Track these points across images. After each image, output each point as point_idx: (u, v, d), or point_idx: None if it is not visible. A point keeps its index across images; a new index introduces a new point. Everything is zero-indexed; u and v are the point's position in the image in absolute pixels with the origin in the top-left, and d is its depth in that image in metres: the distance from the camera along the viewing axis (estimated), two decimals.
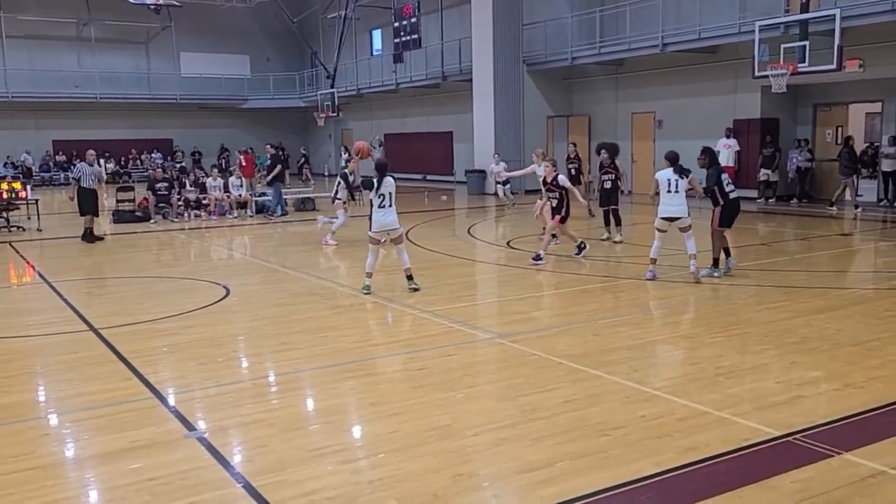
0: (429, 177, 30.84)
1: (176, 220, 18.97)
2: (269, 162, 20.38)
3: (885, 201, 17.63)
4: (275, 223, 18.51)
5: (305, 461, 4.58)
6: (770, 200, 19.29)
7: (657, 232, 9.80)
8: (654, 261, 9.89)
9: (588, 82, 24.32)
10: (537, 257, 11.13)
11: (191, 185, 20.22)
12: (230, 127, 38.50)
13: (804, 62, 15.30)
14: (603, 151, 13.52)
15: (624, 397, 5.58)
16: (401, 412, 5.38)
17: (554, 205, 11.42)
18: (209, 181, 20.21)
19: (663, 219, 9.71)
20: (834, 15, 14.73)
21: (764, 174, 19.37)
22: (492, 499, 4.14)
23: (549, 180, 11.39)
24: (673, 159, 9.75)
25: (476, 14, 24.16)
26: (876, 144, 18.06)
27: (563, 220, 11.41)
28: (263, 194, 20.85)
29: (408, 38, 26.37)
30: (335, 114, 30.85)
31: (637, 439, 4.80)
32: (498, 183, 20.22)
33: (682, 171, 9.64)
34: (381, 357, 6.91)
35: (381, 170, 9.38)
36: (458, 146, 29.09)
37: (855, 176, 17.21)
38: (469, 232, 15.75)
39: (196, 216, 19.46)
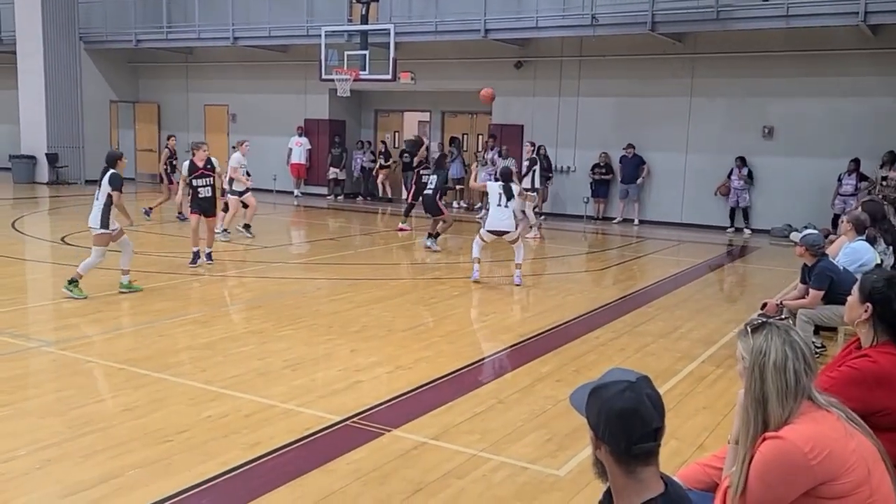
0: None
1: None
2: None
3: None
4: None
5: None
6: (339, 197, 20.52)
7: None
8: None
9: (156, 68, 23.05)
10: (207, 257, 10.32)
11: None
12: None
13: (365, 70, 16.54)
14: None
15: (189, 399, 5.37)
16: None
17: (209, 194, 10.19)
18: None
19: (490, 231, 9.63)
20: (388, 30, 16.20)
21: (333, 172, 20.52)
22: None
23: (200, 164, 10.18)
24: (505, 175, 9.88)
25: None
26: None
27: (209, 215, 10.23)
28: None
29: None
30: None
31: (202, 441, 4.64)
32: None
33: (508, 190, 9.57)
34: None
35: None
36: (1, 127, 25.25)
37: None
38: (14, 226, 13.79)
39: None
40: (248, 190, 12.79)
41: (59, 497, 3.90)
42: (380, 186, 20.28)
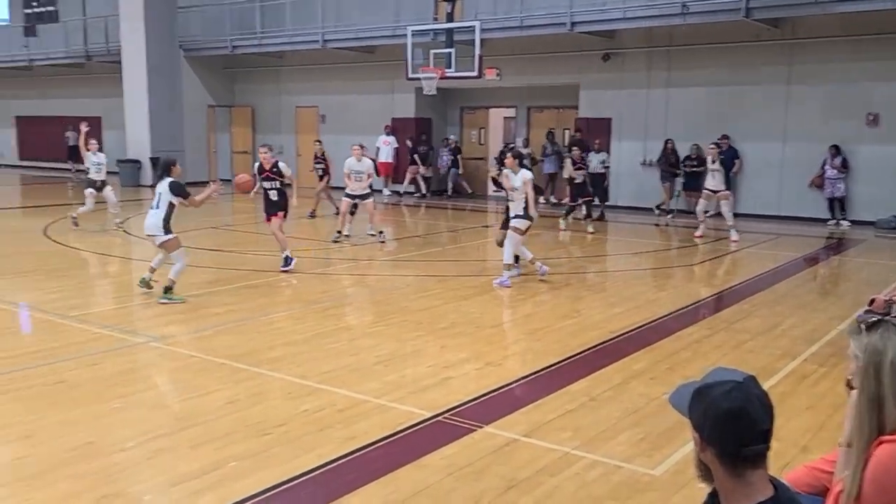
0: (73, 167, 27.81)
1: None
2: None
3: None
4: None
5: None
6: (425, 195, 20.70)
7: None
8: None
9: (251, 73, 23.84)
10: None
11: None
12: None
13: (451, 68, 16.62)
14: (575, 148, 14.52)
15: (286, 393, 5.55)
16: (33, 434, 4.74)
17: (274, 198, 10.15)
18: None
19: None
20: (474, 27, 16.21)
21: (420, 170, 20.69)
22: None
23: (267, 167, 10.09)
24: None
25: None
26: (511, 144, 20.28)
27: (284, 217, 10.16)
28: None
29: (41, 9, 23.40)
30: None
31: (299, 434, 4.79)
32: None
33: None
34: (9, 372, 6.01)
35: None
36: (109, 133, 26.62)
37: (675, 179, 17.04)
38: (122, 227, 14.52)
39: None
40: (368, 194, 12.71)
41: (169, 486, 4.10)
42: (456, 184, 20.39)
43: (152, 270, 8.65)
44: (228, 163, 24.01)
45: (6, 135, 30.31)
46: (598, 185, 15.87)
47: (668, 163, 16.40)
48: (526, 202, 9.23)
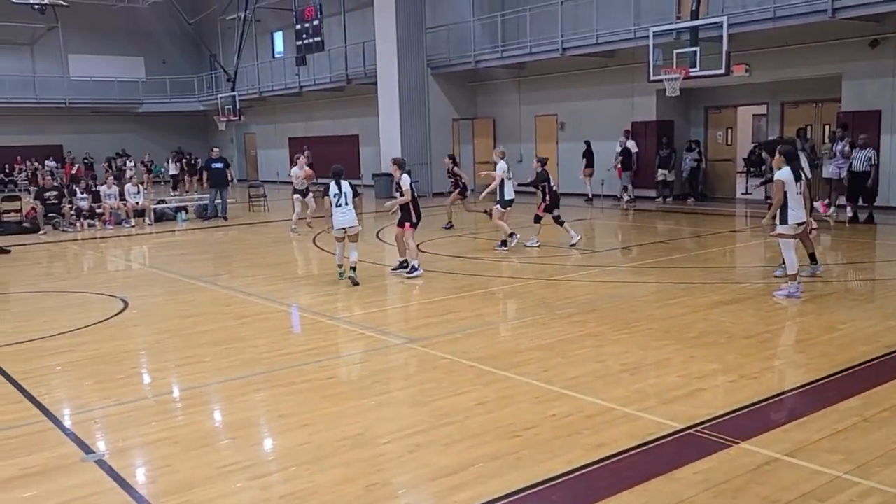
0: None
1: (69, 230, 18.09)
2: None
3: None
4: (174, 231, 17.94)
5: (212, 479, 4.43)
6: (667, 200, 20.03)
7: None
8: None
9: (492, 85, 24.64)
10: (405, 266, 10.91)
11: (83, 193, 19.29)
12: (126, 132, 37.10)
13: (695, 67, 15.94)
14: (764, 153, 13.20)
15: (534, 397, 5.67)
16: (311, 423, 5.29)
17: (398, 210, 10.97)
18: (103, 189, 19.35)
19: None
20: (721, 22, 15.42)
21: (661, 174, 20.08)
22: None
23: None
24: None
25: (379, 17, 24.07)
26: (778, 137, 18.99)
27: (413, 226, 10.80)
28: (162, 201, 20.29)
29: (310, 40, 26.01)
30: (237, 117, 30.10)
31: (547, 438, 4.87)
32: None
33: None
34: (289, 367, 6.76)
35: (338, 175, 10.29)
36: (365, 150, 28.92)
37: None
38: (378, 236, 15.67)
39: (90, 226, 18.60)
40: (511, 200, 13.05)
41: (428, 480, 4.37)
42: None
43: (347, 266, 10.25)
44: (472, 172, 24.96)
45: (283, 154, 33.92)
46: (861, 184, 14.37)
47: None
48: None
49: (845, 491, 4.02)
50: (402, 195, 10.81)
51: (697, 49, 15.89)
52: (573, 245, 12.75)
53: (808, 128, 17.87)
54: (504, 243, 12.71)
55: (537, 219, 12.96)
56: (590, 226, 16.23)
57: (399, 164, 11.26)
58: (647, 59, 16.92)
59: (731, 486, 4.11)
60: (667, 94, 16.98)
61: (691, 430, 4.91)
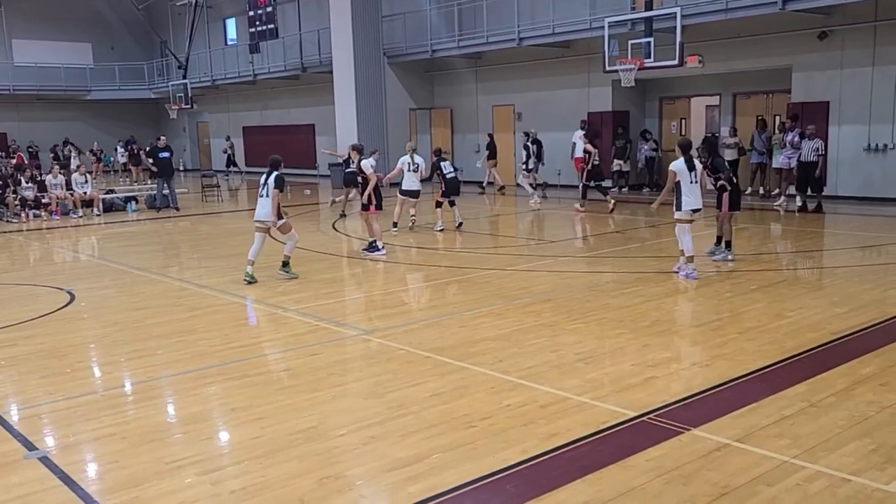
0: (291, 171, 30.14)
1: (13, 220, 17.57)
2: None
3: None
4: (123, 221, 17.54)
5: (162, 475, 4.34)
6: (623, 189, 20.24)
7: None
8: None
9: (449, 75, 24.56)
10: (375, 247, 11.39)
11: (27, 182, 18.71)
12: (73, 120, 36.10)
13: (650, 58, 16.10)
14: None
15: (489, 387, 5.67)
16: (264, 416, 5.22)
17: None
18: (49, 178, 18.83)
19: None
20: (675, 13, 15.58)
21: (617, 164, 20.27)
22: (360, 499, 4.08)
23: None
24: (685, 146, 9.37)
25: (334, 4, 23.79)
26: (716, 134, 19.31)
27: (375, 209, 11.29)
28: (111, 191, 19.85)
29: (264, 27, 25.66)
30: (189, 105, 29.55)
31: (503, 428, 4.88)
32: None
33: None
34: (242, 360, 6.66)
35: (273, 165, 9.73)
36: (321, 139, 28.62)
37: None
38: (334, 226, 15.54)
39: (35, 216, 18.09)
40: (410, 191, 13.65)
41: (384, 471, 4.34)
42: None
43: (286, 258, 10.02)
44: (429, 162, 24.88)
45: (237, 143, 33.38)
46: (810, 174, 14.68)
47: None
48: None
49: (792, 475, 4.10)
50: (365, 180, 11.09)
51: (651, 40, 16.05)
52: (439, 230, 13.75)
53: (760, 118, 18.18)
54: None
55: (438, 204, 14.13)
56: (543, 216, 16.33)
57: (358, 149, 11.27)
58: (603, 50, 17.03)
59: (683, 472, 4.17)
60: (622, 84, 17.12)
61: (644, 418, 4.96)
